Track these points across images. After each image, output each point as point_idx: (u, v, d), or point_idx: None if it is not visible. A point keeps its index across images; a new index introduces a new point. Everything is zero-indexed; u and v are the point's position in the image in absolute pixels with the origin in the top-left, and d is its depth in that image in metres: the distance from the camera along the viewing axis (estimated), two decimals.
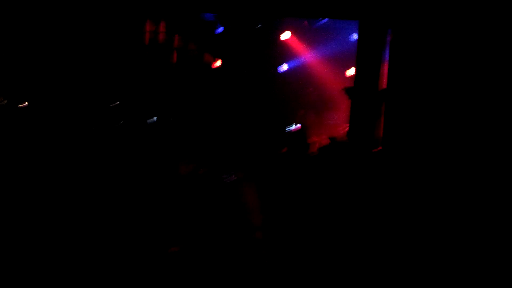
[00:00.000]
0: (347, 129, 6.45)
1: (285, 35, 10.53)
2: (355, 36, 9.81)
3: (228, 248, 1.81)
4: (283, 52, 10.75)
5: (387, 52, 5.48)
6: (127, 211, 2.21)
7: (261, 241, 1.59)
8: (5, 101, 5.78)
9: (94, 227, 2.50)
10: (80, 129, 5.05)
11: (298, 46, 10.68)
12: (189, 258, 1.66)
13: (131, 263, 1.97)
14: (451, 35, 4.76)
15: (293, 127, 7.99)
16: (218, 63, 10.94)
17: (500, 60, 4.51)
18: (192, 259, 1.68)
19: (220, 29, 10.81)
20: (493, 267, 3.48)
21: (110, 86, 6.92)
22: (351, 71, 9.57)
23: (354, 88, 6.23)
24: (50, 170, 4.11)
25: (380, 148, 5.03)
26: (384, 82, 5.49)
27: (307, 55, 10.65)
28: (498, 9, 4.50)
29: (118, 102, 7.10)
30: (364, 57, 5.80)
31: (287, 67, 10.77)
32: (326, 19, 10.18)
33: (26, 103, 5.90)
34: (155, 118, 7.61)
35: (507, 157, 4.26)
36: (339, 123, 9.15)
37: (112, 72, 7.08)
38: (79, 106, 5.94)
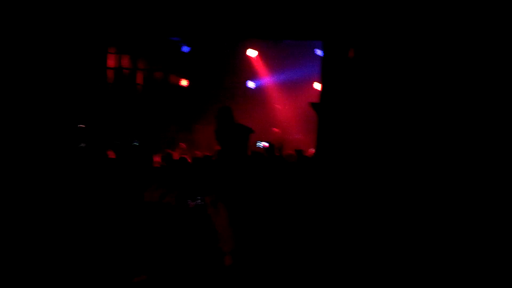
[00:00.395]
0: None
1: (251, 52, 10.60)
2: (319, 52, 10.00)
3: (196, 275, 1.77)
4: (250, 68, 10.83)
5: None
6: (87, 239, 2.13)
7: (231, 267, 1.56)
8: None
9: (55, 260, 2.38)
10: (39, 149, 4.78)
11: (265, 63, 10.77)
12: (156, 287, 1.61)
13: None
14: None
15: (262, 144, 8.01)
16: (185, 82, 10.90)
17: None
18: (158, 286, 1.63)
19: (186, 49, 10.79)
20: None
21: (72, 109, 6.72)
22: (318, 85, 9.72)
23: (320, 104, 6.33)
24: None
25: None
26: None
27: (274, 72, 10.75)
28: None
29: (82, 125, 6.93)
30: (327, 74, 5.93)
31: (254, 84, 10.84)
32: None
33: None
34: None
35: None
36: (307, 139, 9.25)
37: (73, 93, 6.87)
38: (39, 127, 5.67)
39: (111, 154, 5.79)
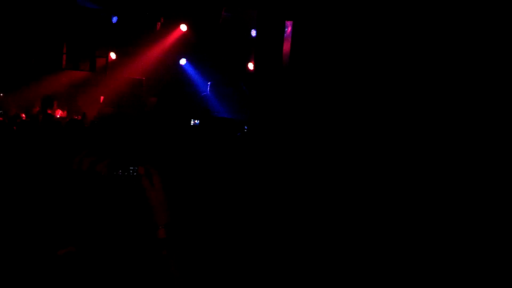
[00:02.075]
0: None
1: (182, 27, 10.35)
2: (253, 33, 9.98)
3: (128, 247, 1.66)
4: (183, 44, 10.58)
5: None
6: (6, 208, 1.95)
7: (164, 240, 1.47)
8: None
9: None
10: None
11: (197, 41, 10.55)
12: (82, 260, 1.49)
13: (14, 267, 1.74)
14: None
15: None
16: (113, 55, 10.46)
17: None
18: (85, 261, 1.51)
19: (114, 19, 10.32)
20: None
21: None
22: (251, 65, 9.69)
23: (254, 81, 6.29)
24: None
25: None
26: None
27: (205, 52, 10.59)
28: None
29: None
30: (262, 50, 5.85)
31: (185, 61, 10.61)
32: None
33: None
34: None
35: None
36: None
37: None
38: None
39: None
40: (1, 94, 9.30)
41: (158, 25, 10.30)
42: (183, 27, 10.28)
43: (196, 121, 6.84)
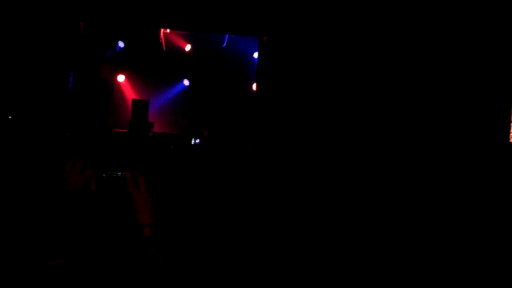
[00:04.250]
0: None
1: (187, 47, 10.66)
2: (255, 55, 10.23)
3: (113, 248, 1.77)
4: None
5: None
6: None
7: (150, 238, 1.58)
8: None
9: None
10: None
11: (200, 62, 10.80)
12: (73, 268, 1.58)
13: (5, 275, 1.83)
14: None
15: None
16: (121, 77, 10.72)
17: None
18: (76, 269, 1.61)
19: (121, 45, 10.62)
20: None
21: None
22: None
23: (256, 100, 6.46)
24: None
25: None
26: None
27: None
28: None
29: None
30: (262, 71, 6.06)
31: (188, 82, 10.83)
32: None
33: None
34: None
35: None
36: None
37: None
38: None
39: None
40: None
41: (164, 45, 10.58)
42: (187, 47, 10.59)
43: (196, 140, 7.00)
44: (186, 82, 10.82)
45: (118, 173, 1.76)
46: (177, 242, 1.73)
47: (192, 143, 7.23)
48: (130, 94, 10.58)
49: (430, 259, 3.86)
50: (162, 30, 10.44)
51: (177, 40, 10.70)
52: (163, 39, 10.56)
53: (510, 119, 4.85)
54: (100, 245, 1.94)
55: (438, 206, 4.47)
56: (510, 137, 4.78)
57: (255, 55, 10.30)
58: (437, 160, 4.76)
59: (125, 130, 8.83)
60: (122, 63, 10.67)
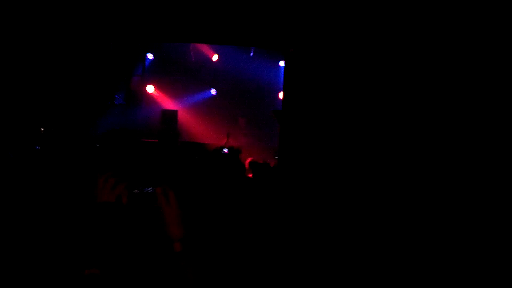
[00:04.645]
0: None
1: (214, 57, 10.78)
2: (281, 63, 10.26)
3: (146, 262, 1.80)
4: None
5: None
6: (38, 233, 2.09)
7: (180, 253, 1.59)
8: None
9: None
10: None
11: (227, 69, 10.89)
12: (107, 279, 1.61)
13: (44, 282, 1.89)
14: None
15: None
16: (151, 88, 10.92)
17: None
18: (110, 279, 1.63)
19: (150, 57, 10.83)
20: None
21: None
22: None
23: (282, 111, 6.45)
24: None
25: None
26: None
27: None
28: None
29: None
30: (289, 82, 6.06)
31: (215, 91, 10.93)
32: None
33: None
34: None
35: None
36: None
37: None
38: None
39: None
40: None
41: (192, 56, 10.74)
42: (215, 57, 10.71)
43: (224, 149, 7.03)
44: (213, 91, 10.91)
45: (149, 189, 1.78)
46: (207, 256, 1.74)
47: (222, 152, 7.26)
48: (159, 104, 10.74)
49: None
50: None
51: (205, 50, 10.83)
52: (191, 50, 10.70)
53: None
54: (132, 257, 1.97)
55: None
56: None
57: (281, 63, 10.31)
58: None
59: (155, 140, 8.96)
60: (151, 74, 10.87)
